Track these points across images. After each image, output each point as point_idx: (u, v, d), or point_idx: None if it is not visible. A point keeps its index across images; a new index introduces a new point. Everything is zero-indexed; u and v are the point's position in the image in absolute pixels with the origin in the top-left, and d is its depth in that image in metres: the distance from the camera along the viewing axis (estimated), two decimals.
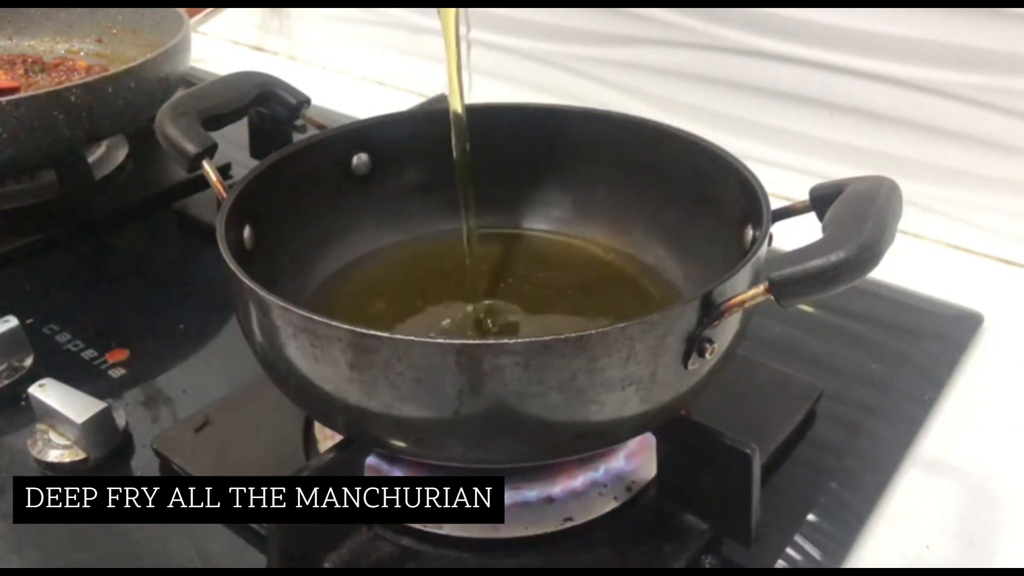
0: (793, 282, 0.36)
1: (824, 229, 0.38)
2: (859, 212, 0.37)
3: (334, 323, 0.36)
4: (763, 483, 0.47)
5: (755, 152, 0.73)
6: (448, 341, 0.36)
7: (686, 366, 0.38)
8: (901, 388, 0.54)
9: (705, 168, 0.50)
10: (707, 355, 0.38)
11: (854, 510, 0.46)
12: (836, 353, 0.57)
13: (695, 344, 0.38)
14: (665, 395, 0.39)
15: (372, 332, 0.36)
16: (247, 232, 0.48)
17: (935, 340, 0.58)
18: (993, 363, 0.56)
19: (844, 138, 0.68)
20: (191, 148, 0.48)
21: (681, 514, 0.44)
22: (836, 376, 0.54)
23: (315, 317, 0.37)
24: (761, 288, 0.37)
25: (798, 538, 0.44)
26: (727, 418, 0.49)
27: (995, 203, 0.64)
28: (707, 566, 0.43)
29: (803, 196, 0.44)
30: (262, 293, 0.39)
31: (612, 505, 0.45)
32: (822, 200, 0.43)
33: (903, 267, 0.64)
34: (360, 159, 0.56)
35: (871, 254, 0.36)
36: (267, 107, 0.56)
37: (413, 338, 0.36)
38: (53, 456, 0.49)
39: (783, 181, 0.73)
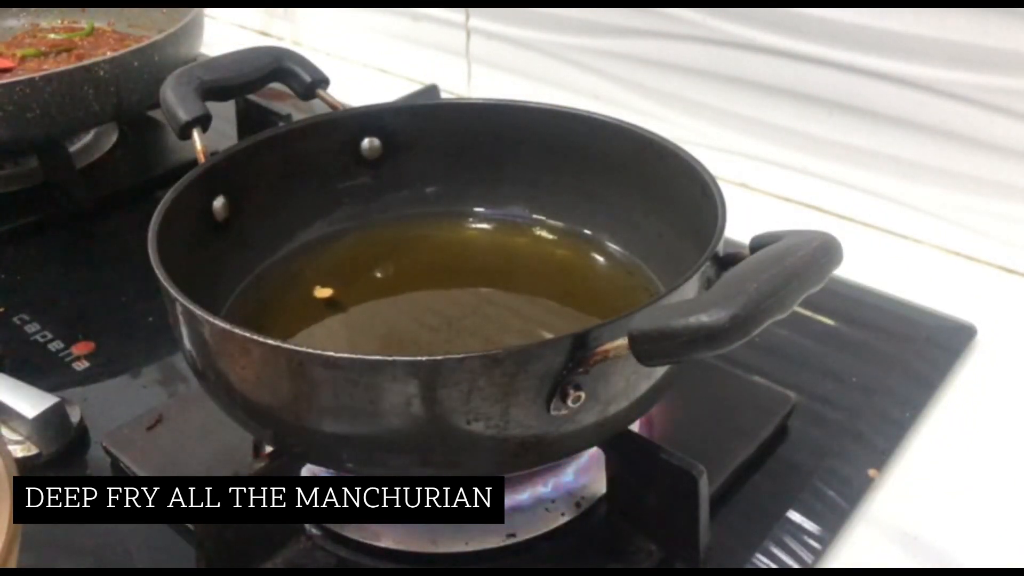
0: (651, 339, 0.32)
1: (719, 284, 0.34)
2: (752, 274, 0.32)
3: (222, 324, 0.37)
4: (725, 501, 0.45)
5: (755, 150, 0.70)
6: (283, 346, 0.35)
7: (548, 409, 0.35)
8: (878, 407, 0.50)
9: (674, 177, 0.48)
10: (569, 402, 0.35)
11: (817, 536, 0.43)
12: (816, 364, 0.54)
13: (558, 388, 0.35)
14: (523, 435, 0.36)
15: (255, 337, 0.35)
16: (219, 202, 0.49)
17: (922, 353, 0.54)
18: (983, 381, 0.53)
19: (842, 137, 0.65)
20: (182, 115, 0.49)
21: (631, 533, 0.42)
22: (813, 388, 0.52)
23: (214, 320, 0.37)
24: (624, 341, 0.33)
25: (757, 561, 0.42)
26: (688, 432, 0.48)
27: (996, 207, 0.60)
28: None
29: (798, 196, 0.42)
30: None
31: (560, 521, 0.43)
32: (758, 251, 0.37)
33: (898, 271, 0.62)
34: (366, 144, 0.55)
35: (737, 324, 0.30)
36: (284, 82, 0.56)
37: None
38: None
39: (782, 180, 0.71)
